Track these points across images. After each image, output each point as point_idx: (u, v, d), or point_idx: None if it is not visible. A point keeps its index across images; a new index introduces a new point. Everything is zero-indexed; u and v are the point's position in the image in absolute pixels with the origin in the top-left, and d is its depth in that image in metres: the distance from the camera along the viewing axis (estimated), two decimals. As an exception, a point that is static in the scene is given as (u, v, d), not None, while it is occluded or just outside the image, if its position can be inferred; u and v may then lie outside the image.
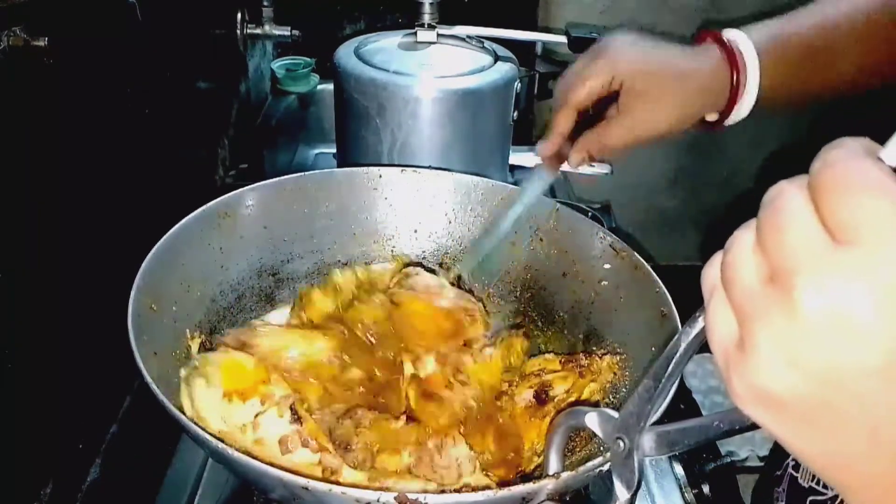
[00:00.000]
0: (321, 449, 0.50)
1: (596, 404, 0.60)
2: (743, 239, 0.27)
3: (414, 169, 0.74)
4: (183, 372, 0.53)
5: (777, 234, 0.25)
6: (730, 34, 0.63)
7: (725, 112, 0.64)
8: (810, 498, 0.60)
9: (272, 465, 0.43)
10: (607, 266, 0.65)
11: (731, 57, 0.62)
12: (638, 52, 0.63)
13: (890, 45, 0.63)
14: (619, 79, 0.62)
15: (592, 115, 0.66)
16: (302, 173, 0.71)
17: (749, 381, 0.26)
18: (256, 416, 0.51)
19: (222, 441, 0.43)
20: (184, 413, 0.49)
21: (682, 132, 0.64)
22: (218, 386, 0.51)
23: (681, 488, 0.66)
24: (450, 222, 0.75)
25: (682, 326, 0.34)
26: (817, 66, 0.65)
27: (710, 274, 0.28)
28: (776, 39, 0.64)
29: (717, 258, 0.28)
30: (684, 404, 0.75)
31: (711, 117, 0.66)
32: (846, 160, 0.24)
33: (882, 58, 0.64)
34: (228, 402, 0.51)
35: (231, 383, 0.52)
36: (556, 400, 0.59)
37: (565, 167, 0.68)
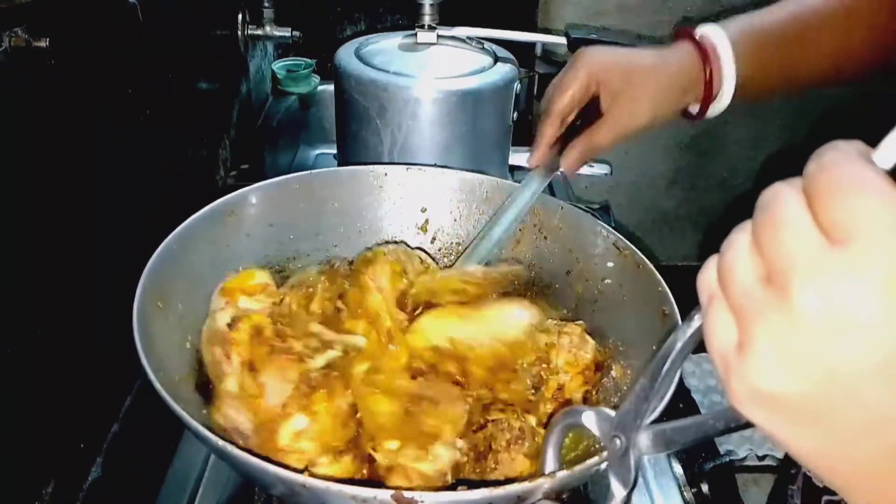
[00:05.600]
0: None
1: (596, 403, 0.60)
2: (739, 241, 0.27)
3: (419, 167, 0.74)
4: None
5: (773, 235, 0.25)
6: (703, 29, 0.67)
7: (705, 103, 0.68)
8: (825, 497, 0.60)
9: (272, 462, 0.43)
10: (610, 264, 0.65)
11: (702, 50, 0.66)
12: (610, 56, 0.68)
13: (871, 30, 0.66)
14: (595, 81, 0.66)
15: (578, 124, 0.69)
16: (308, 171, 0.71)
17: (748, 383, 0.26)
18: None
19: (224, 440, 0.43)
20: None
21: (663, 123, 0.68)
22: None
23: (680, 487, 0.66)
24: (455, 220, 0.75)
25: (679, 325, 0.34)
26: (794, 53, 0.68)
27: (706, 277, 0.29)
28: (752, 30, 0.67)
29: (711, 262, 0.29)
30: (683, 404, 0.75)
31: (694, 109, 0.70)
32: (840, 163, 0.24)
33: (861, 43, 0.67)
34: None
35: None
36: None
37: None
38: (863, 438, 0.25)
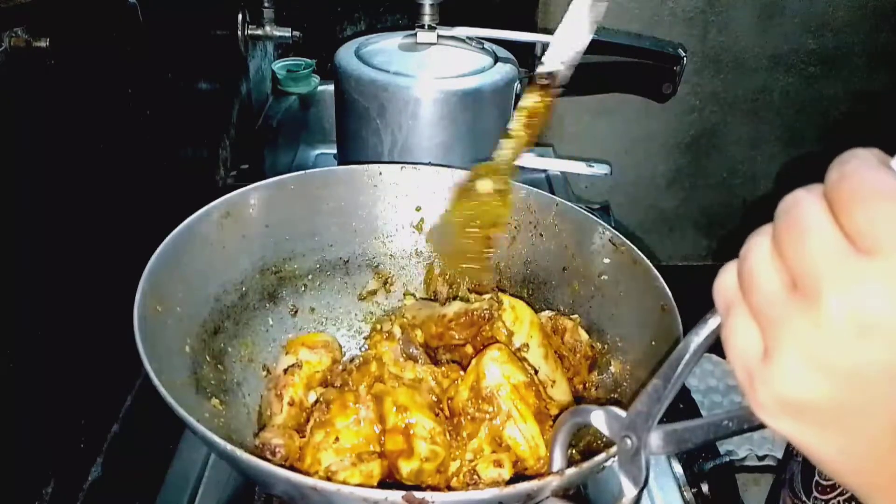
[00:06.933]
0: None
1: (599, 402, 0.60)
2: (760, 246, 0.27)
3: (414, 166, 0.74)
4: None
5: (797, 242, 0.25)
6: None
7: None
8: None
9: (281, 466, 0.43)
10: (607, 260, 0.65)
11: None
12: None
13: None
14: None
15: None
16: (303, 171, 0.71)
17: (775, 391, 0.26)
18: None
19: (230, 443, 0.43)
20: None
21: None
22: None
23: (680, 487, 0.66)
24: (450, 218, 0.75)
25: (684, 324, 0.34)
26: None
27: (724, 284, 0.29)
28: None
29: (729, 268, 0.29)
30: (683, 403, 0.75)
31: None
32: (861, 171, 0.25)
33: None
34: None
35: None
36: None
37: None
38: (889, 440, 0.25)
